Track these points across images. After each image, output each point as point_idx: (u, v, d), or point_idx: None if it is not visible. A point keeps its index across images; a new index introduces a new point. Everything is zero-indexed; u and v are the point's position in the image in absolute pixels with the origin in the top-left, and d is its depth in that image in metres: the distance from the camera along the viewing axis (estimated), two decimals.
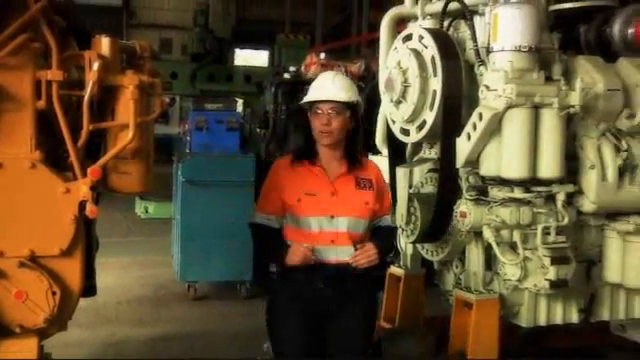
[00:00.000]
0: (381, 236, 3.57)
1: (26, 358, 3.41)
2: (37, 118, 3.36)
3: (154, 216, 11.94)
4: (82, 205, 3.41)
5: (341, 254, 3.40)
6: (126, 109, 3.49)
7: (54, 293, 3.40)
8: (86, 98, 3.40)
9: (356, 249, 3.39)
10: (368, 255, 3.37)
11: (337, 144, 3.48)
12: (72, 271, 3.51)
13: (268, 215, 3.54)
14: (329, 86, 3.47)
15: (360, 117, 3.58)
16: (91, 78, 3.39)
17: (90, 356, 5.64)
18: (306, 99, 3.52)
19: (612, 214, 4.52)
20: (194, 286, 7.49)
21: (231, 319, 6.88)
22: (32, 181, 3.37)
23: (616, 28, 4.58)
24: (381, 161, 5.24)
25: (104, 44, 3.56)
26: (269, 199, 3.55)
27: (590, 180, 4.36)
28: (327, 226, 3.41)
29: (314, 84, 3.58)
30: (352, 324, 3.48)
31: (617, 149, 4.38)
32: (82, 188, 3.39)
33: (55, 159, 3.50)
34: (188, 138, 7.69)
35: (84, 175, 3.41)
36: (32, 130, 3.36)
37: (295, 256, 3.35)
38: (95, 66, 3.39)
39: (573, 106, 4.16)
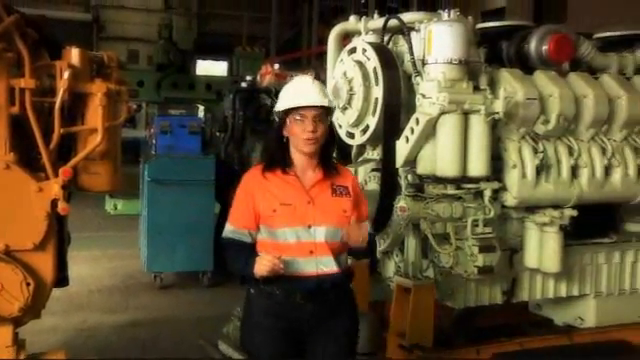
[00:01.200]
0: None
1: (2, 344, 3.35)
2: (11, 123, 3.31)
3: (123, 212, 11.78)
4: (54, 203, 3.38)
5: (321, 265, 2.95)
6: (95, 114, 3.47)
7: (28, 284, 3.35)
8: (57, 104, 3.36)
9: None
10: (363, 233, 2.95)
11: (316, 152, 3.00)
12: (45, 264, 3.46)
13: (240, 229, 3.02)
14: (311, 91, 2.97)
15: (333, 125, 3.29)
16: (62, 86, 3.36)
17: (62, 341, 5.53)
18: (288, 105, 2.99)
19: (531, 208, 4.59)
20: (160, 276, 7.41)
21: (194, 306, 6.82)
22: (7, 181, 3.31)
23: (533, 45, 4.65)
24: None
25: (74, 55, 3.52)
26: (240, 213, 3.04)
27: (512, 178, 4.43)
28: (305, 237, 2.94)
29: (291, 89, 3.06)
30: (333, 340, 3.03)
31: (535, 150, 4.45)
32: (54, 187, 3.36)
33: (29, 160, 3.45)
34: (154, 141, 7.60)
35: (56, 175, 3.38)
36: (7, 134, 3.30)
37: (263, 266, 2.83)
38: (65, 75, 3.35)
39: (497, 112, 4.21)
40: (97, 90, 3.46)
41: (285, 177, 3.00)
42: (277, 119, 3.06)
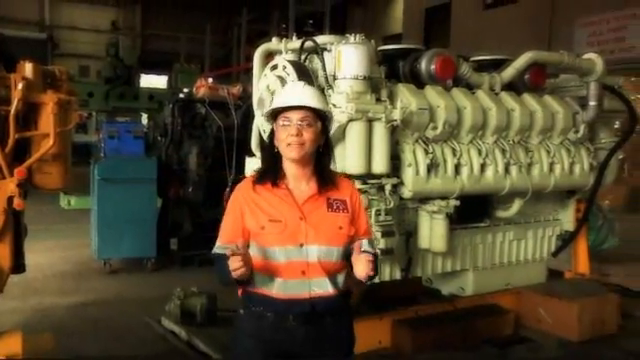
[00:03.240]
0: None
1: None
2: None
3: (75, 207, 11.38)
4: (10, 199, 3.23)
5: (314, 287, 2.30)
6: (47, 121, 3.35)
7: None
8: (12, 112, 3.23)
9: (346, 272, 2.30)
10: (370, 266, 2.23)
11: (307, 160, 2.36)
12: (2, 253, 3.33)
13: (228, 245, 2.31)
14: (299, 93, 2.37)
15: (329, 132, 2.45)
16: (16, 96, 3.22)
17: (21, 321, 5.25)
18: (273, 106, 2.40)
19: (423, 199, 4.66)
20: (109, 262, 7.19)
21: (140, 288, 6.64)
22: None
23: (423, 64, 4.72)
24: (256, 162, 5.20)
25: (28, 69, 3.39)
26: (229, 229, 2.40)
27: (408, 174, 4.48)
28: (296, 256, 2.29)
29: (280, 93, 2.45)
30: None
31: (426, 152, 4.52)
32: (10, 185, 3.23)
33: None
34: (102, 144, 7.36)
35: (11, 175, 3.25)
36: None
37: (235, 270, 2.16)
38: (20, 86, 3.22)
39: (395, 120, 4.26)
40: (49, 100, 3.33)
41: (276, 190, 2.36)
42: (269, 127, 2.44)
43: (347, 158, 4.28)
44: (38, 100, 3.35)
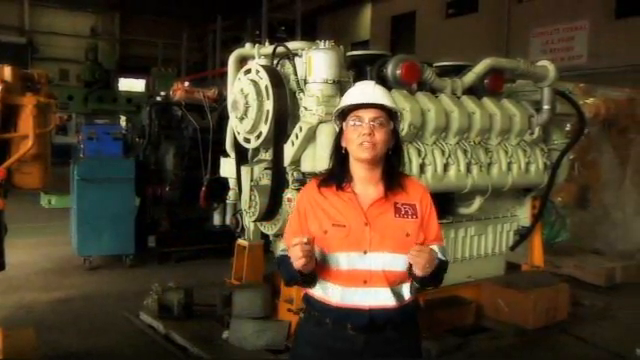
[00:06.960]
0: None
1: None
2: None
3: (56, 206, 11.03)
4: None
5: (375, 298, 2.08)
6: (26, 123, 3.28)
7: None
8: None
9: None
10: (429, 259, 2.00)
11: (377, 162, 2.13)
12: None
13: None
14: (371, 92, 2.15)
15: (399, 134, 2.25)
16: None
17: (3, 317, 5.12)
18: (342, 104, 2.18)
19: None
20: (89, 259, 7.08)
21: (119, 283, 6.54)
22: None
23: (389, 69, 4.71)
24: (230, 162, 5.16)
25: (6, 72, 3.31)
26: (292, 232, 2.18)
27: None
28: (359, 264, 2.07)
29: (350, 92, 2.21)
30: None
31: None
32: None
33: None
34: (82, 146, 7.23)
35: None
36: None
37: (296, 259, 1.96)
38: None
39: None
40: (28, 102, 3.26)
41: (341, 194, 2.14)
42: (336, 128, 2.22)
43: (317, 158, 4.27)
44: (17, 102, 3.27)
